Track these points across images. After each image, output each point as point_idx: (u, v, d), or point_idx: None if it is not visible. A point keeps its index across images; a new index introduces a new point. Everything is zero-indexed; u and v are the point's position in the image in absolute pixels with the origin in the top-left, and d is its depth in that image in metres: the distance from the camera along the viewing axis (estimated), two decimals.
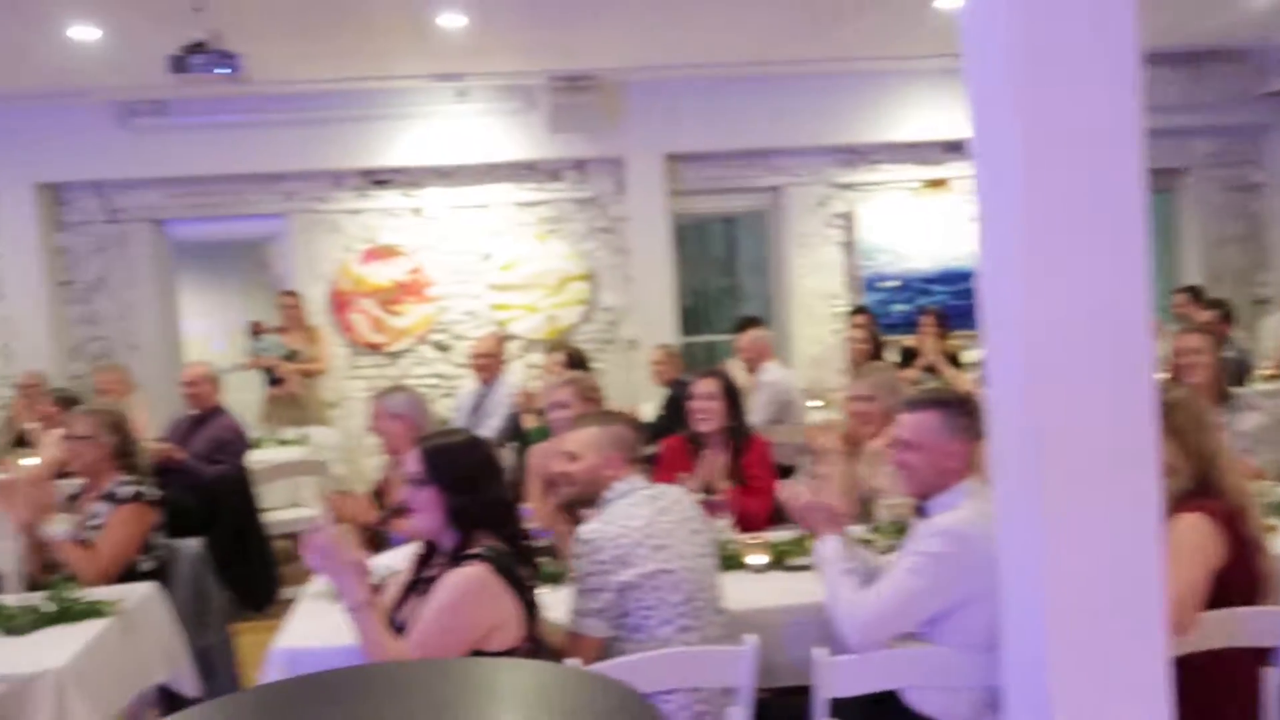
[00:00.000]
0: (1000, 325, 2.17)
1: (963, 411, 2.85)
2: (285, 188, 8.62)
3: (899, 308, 8.97)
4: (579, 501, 3.06)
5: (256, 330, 9.25)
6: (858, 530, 3.17)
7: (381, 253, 8.71)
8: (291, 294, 8.44)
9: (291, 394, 8.04)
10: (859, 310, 8.16)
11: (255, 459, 6.21)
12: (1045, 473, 2.04)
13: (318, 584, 3.48)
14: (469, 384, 7.28)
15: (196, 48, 5.32)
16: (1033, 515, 2.07)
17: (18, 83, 7.48)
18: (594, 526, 2.82)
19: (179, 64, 5.33)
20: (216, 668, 4.16)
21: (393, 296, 8.71)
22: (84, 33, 6.28)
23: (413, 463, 2.72)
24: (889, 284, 9.02)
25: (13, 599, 3.53)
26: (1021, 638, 2.20)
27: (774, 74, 8.45)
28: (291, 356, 8.11)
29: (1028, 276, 2.03)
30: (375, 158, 8.51)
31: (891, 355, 7.78)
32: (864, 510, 3.84)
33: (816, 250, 9.12)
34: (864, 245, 9.01)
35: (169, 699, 3.87)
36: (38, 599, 3.43)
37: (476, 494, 2.68)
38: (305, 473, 6.82)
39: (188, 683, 3.79)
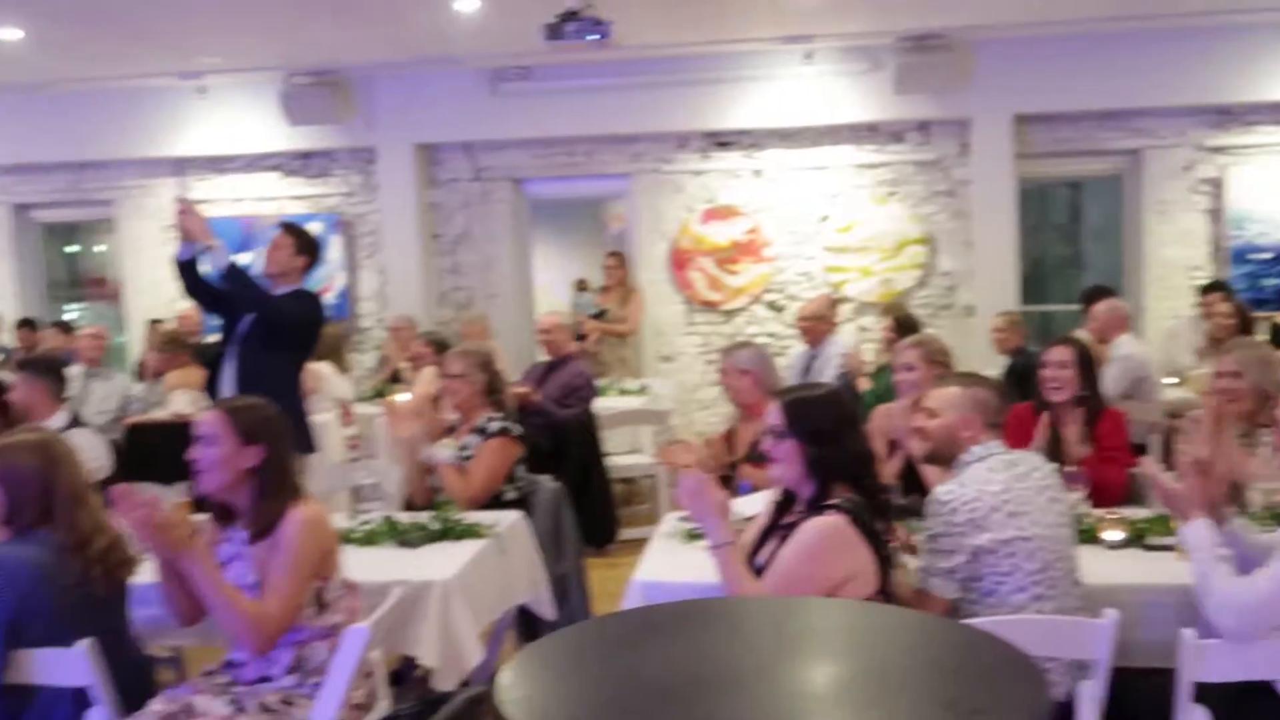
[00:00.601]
0: None
1: None
2: (633, 149, 8.97)
3: (1271, 282, 8.26)
4: (931, 459, 3.07)
5: (580, 287, 9.71)
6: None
7: (721, 213, 8.91)
8: (616, 254, 8.74)
9: (584, 350, 8.34)
10: (1213, 286, 7.55)
11: (599, 406, 6.56)
12: None
13: (668, 524, 3.69)
14: (800, 345, 7.33)
15: (570, 16, 5.62)
16: None
17: (403, 52, 8.18)
18: (949, 488, 2.82)
19: (554, 31, 5.65)
20: (570, 595, 4.48)
21: (730, 256, 8.90)
22: (466, 4, 6.76)
23: (774, 415, 2.82)
24: (1261, 256, 8.30)
25: (405, 516, 3.95)
26: None
27: (1134, 29, 7.91)
28: (600, 315, 8.44)
29: None
30: (719, 120, 8.69)
31: (1260, 333, 7.20)
32: (1233, 495, 3.61)
33: (1178, 218, 8.52)
34: (1234, 213, 8.32)
35: (525, 622, 4.22)
36: (425, 518, 3.82)
37: (835, 447, 2.74)
38: (645, 421, 7.16)
39: (545, 606, 4.12)
